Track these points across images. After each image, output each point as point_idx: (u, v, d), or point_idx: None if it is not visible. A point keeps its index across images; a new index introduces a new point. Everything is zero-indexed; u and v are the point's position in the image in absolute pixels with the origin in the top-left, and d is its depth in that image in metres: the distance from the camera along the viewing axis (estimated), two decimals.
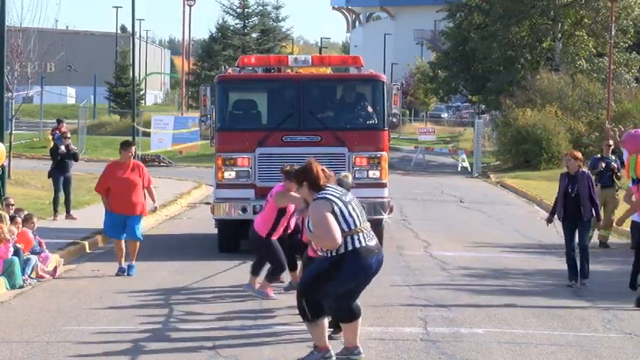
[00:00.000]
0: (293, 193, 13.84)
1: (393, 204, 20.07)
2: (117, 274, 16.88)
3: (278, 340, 12.01)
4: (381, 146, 19.66)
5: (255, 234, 14.78)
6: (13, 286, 15.71)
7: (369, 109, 20.07)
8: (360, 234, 10.25)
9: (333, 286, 10.25)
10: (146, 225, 25.47)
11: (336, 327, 11.30)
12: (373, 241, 10.40)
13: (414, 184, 39.86)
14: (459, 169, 53.15)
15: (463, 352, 11.44)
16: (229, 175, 19.46)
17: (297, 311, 10.61)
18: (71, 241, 20.28)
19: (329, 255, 10.27)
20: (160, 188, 35.15)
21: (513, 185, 41.82)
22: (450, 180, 45.76)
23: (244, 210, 19.15)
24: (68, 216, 24.94)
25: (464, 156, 54.41)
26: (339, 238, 10.09)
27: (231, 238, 19.98)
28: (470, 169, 51.87)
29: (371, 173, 19.32)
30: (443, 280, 16.98)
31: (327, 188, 10.38)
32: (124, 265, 17.09)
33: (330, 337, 10.93)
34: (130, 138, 19.00)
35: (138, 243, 17.23)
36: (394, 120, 19.97)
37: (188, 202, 31.72)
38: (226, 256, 19.15)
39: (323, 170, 10.54)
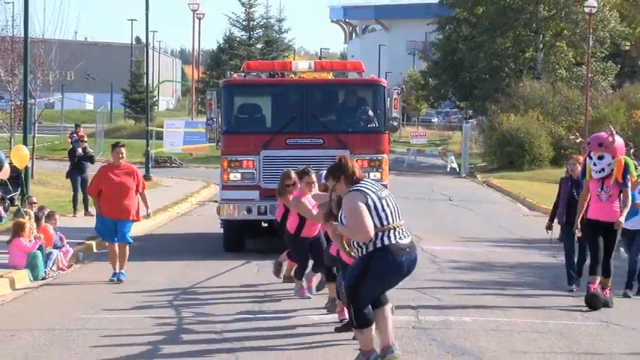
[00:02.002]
0: (306, 202, 13.29)
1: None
2: (110, 281, 15.46)
3: (293, 343, 11.64)
4: (381, 149, 18.99)
5: (286, 230, 14.10)
6: (36, 278, 15.73)
7: (370, 112, 19.33)
8: (392, 231, 9.35)
9: (367, 287, 9.40)
10: (159, 221, 25.52)
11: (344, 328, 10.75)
12: (406, 240, 9.47)
13: (407, 184, 39.82)
14: (448, 169, 53.16)
15: (452, 338, 11.43)
16: (235, 176, 18.74)
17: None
18: (89, 236, 20.29)
19: (360, 254, 9.44)
20: (171, 187, 35.38)
21: (498, 185, 41.85)
22: (439, 180, 45.76)
23: (249, 211, 18.54)
24: (87, 213, 24.97)
25: (452, 157, 54.43)
26: (372, 231, 9.22)
27: (237, 238, 19.29)
28: (458, 170, 51.88)
29: (372, 175, 18.41)
30: (433, 272, 16.95)
31: (363, 182, 9.56)
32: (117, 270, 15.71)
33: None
34: (119, 141, 17.53)
35: (127, 247, 15.81)
36: (394, 123, 19.21)
37: (198, 201, 31.76)
38: (232, 255, 18.58)
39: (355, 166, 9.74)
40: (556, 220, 15.63)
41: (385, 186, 18.62)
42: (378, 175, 18.66)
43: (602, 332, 11.99)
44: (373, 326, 9.62)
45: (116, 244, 15.76)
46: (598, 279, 13.58)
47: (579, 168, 14.83)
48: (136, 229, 22.83)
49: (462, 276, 16.77)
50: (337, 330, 11.38)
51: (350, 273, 9.63)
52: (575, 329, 12.15)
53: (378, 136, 19.08)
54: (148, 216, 17.06)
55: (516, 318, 12.85)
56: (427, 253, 19.36)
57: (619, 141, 13.74)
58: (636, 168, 14.32)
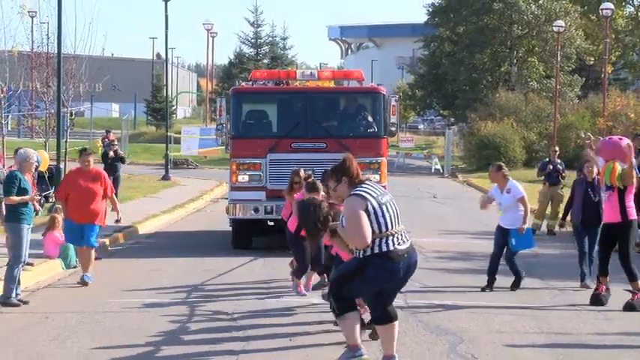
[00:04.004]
0: None
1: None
2: (77, 283, 14.00)
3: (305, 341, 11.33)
4: (380, 152, 18.22)
5: (287, 229, 13.32)
6: (67, 267, 15.69)
7: (370, 118, 18.51)
8: (391, 237, 8.40)
9: (358, 286, 8.47)
10: (176, 216, 25.48)
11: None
12: (404, 245, 8.55)
13: (396, 184, 39.63)
14: (433, 170, 53.11)
15: (436, 320, 11.41)
16: (243, 178, 17.98)
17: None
18: (115, 229, 20.24)
19: (358, 255, 8.45)
20: (188, 186, 35.33)
21: (477, 184, 41.75)
22: (425, 180, 45.71)
23: (256, 210, 17.81)
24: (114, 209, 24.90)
25: (436, 160, 54.39)
26: (369, 238, 8.25)
27: (245, 236, 18.46)
28: (441, 171, 51.83)
29: (372, 177, 17.59)
30: (419, 261, 16.73)
31: (365, 185, 8.50)
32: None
33: (372, 338, 9.72)
34: (88, 146, 15.61)
35: (93, 251, 14.35)
36: (392, 129, 18.40)
37: (211, 198, 31.70)
38: (240, 252, 17.88)
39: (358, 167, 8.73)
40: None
41: (385, 187, 18.22)
42: (377, 177, 17.95)
43: (570, 315, 11.97)
44: (356, 318, 8.67)
45: (84, 248, 14.40)
46: (607, 279, 12.52)
47: (594, 170, 13.69)
48: (155, 225, 22.83)
49: (445, 264, 16.74)
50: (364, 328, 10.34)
51: (343, 267, 8.82)
52: (546, 312, 12.13)
53: (378, 141, 18.28)
54: (118, 221, 15.37)
55: (493, 302, 12.81)
56: (414, 244, 19.27)
57: (605, 145, 12.56)
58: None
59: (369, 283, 8.43)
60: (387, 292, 8.65)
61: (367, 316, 9.49)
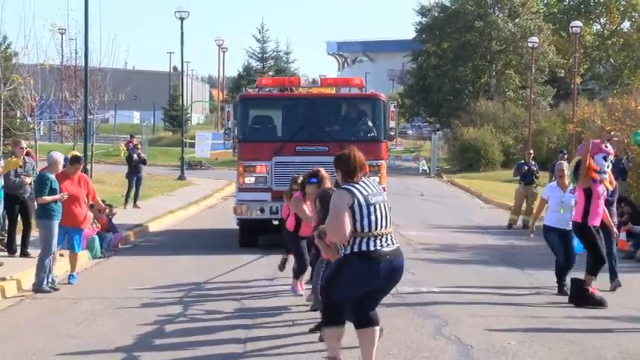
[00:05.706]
0: (305, 208, 11.21)
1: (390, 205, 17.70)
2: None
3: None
4: (380, 155, 17.35)
5: (285, 229, 12.20)
6: (94, 257, 15.68)
7: (370, 123, 17.67)
8: (374, 238, 7.32)
9: (339, 287, 7.44)
10: (191, 212, 25.45)
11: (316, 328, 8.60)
12: (389, 248, 7.40)
13: (388, 183, 39.63)
14: (420, 171, 53.09)
15: (424, 305, 11.39)
16: (249, 180, 17.20)
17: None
18: (135, 224, 20.25)
19: (340, 253, 7.53)
20: (201, 185, 35.34)
21: (460, 183, 41.79)
22: (413, 179, 45.68)
23: (262, 210, 17.00)
24: (135, 206, 25.00)
25: (424, 161, 54.38)
26: (347, 234, 7.25)
27: (251, 235, 17.64)
28: (428, 172, 51.81)
29: (372, 179, 16.83)
30: (408, 252, 16.69)
31: (359, 183, 7.52)
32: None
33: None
34: (79, 155, 14.00)
35: (77, 255, 13.26)
36: (391, 133, 17.60)
37: (222, 196, 31.70)
38: (246, 250, 17.03)
39: (362, 164, 7.67)
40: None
41: (383, 189, 17.32)
42: (377, 179, 17.10)
43: (542, 301, 11.95)
44: (340, 333, 7.68)
45: (58, 251, 13.18)
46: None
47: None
48: (168, 222, 22.75)
49: (431, 255, 16.72)
50: (311, 330, 9.60)
51: (329, 269, 7.89)
52: (521, 298, 12.11)
53: (378, 145, 17.38)
54: (106, 210, 14.77)
55: (475, 288, 12.79)
56: (404, 237, 19.30)
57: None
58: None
59: (349, 283, 7.41)
60: (372, 294, 7.57)
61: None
